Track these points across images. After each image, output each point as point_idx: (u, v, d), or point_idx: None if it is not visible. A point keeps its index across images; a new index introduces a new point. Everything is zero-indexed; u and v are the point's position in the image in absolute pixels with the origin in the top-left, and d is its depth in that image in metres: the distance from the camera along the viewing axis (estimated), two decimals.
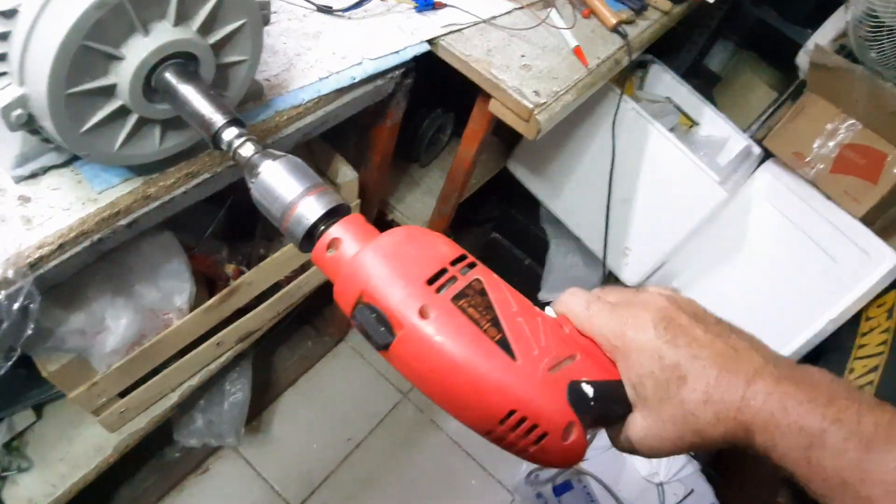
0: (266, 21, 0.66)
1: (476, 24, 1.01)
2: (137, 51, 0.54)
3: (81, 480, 1.09)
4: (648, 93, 1.55)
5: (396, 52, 0.90)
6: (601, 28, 1.15)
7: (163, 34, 0.55)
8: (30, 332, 0.67)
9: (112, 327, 0.90)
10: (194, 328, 1.00)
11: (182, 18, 0.56)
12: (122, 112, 0.58)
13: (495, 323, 0.42)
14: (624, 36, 1.14)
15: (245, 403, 1.30)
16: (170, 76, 0.57)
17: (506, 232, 1.76)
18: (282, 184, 0.50)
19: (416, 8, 0.97)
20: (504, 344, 0.42)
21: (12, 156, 0.63)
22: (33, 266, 0.64)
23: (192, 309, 0.99)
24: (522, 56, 1.00)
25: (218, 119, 0.55)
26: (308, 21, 0.90)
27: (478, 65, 0.95)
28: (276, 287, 1.13)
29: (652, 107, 1.47)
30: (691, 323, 0.42)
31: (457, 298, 0.42)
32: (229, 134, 0.54)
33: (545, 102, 0.94)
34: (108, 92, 0.56)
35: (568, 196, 1.53)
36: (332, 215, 0.48)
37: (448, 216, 1.25)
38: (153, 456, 1.43)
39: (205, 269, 1.02)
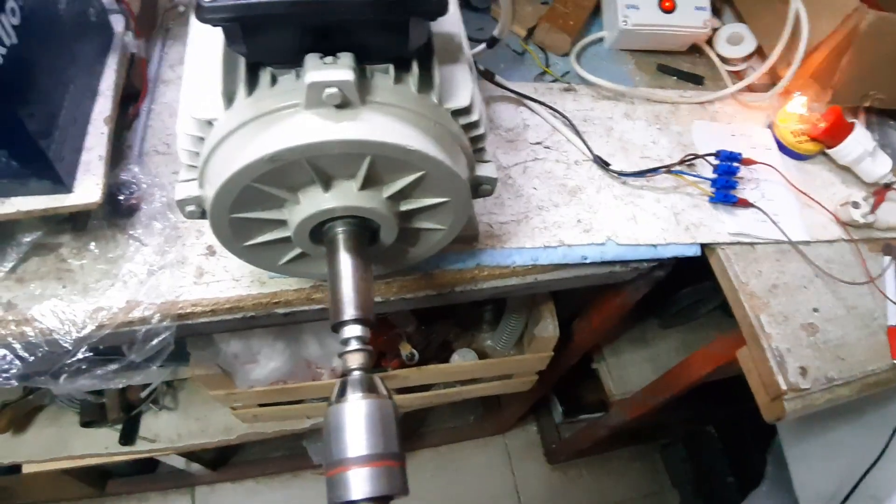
0: (488, 193, 0.57)
1: (777, 242, 0.79)
2: (313, 202, 0.49)
3: (200, 445, 1.16)
4: None
5: (654, 245, 0.74)
6: None
7: (343, 195, 0.49)
8: (159, 365, 0.69)
9: (262, 363, 0.91)
10: None
11: (372, 183, 0.49)
12: (289, 241, 0.54)
13: None
14: None
15: None
16: (338, 235, 0.50)
17: (724, 433, 1.47)
18: (354, 432, 0.42)
19: (710, 198, 0.79)
20: None
21: None
22: (181, 317, 0.64)
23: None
24: (815, 310, 0.76)
25: (349, 311, 0.47)
26: (576, 170, 0.78)
27: (749, 301, 0.74)
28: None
29: None
30: None
31: None
32: (349, 331, 0.47)
33: (807, 389, 0.70)
34: (278, 223, 0.52)
35: (813, 449, 1.20)
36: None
37: (648, 409, 1.05)
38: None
39: (377, 344, 0.99)
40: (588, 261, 0.72)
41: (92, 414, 1.13)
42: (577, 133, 0.80)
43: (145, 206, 0.68)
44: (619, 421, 1.16)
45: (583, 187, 0.76)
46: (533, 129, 0.80)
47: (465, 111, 0.50)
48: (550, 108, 0.81)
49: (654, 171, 0.77)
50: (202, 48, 0.51)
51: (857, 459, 1.10)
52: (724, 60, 0.96)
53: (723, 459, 1.47)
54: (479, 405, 1.57)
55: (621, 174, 0.78)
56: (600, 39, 0.93)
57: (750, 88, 0.93)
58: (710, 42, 0.97)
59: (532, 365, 0.99)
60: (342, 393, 0.44)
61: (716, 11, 0.99)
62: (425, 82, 0.48)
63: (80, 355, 0.61)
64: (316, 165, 0.46)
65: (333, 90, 0.43)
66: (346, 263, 0.50)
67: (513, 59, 0.88)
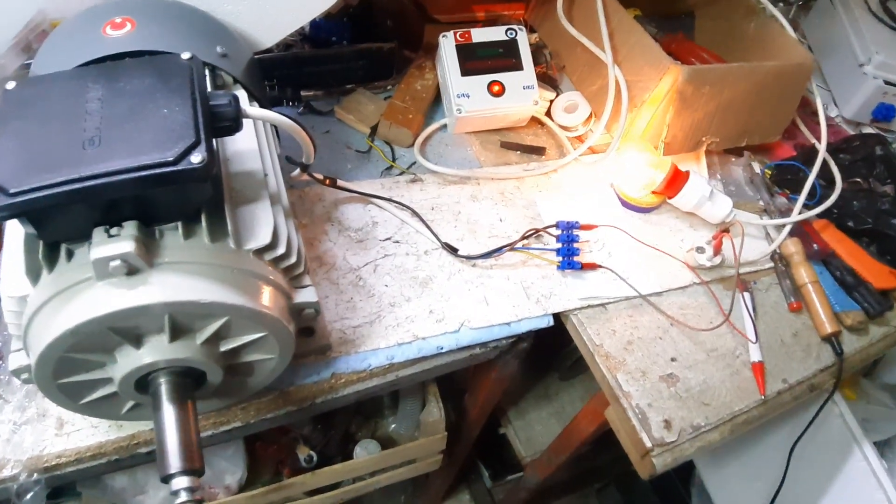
0: (313, 317, 0.58)
1: (629, 298, 0.83)
2: (128, 360, 0.49)
3: None
4: (878, 386, 1.20)
5: (507, 323, 0.77)
6: (809, 331, 0.89)
7: (156, 350, 0.49)
8: None
9: (151, 493, 0.89)
10: None
11: (182, 333, 0.50)
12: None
13: None
14: (839, 352, 0.87)
15: None
16: (160, 387, 0.51)
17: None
18: None
19: (557, 267, 0.83)
20: None
21: None
22: (48, 469, 0.63)
23: (241, 490, 0.95)
24: (673, 360, 0.80)
25: (175, 464, 0.48)
26: (426, 260, 0.81)
27: (605, 362, 0.77)
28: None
29: (876, 411, 1.13)
30: None
31: None
32: (177, 483, 0.47)
33: (673, 442, 0.73)
34: (104, 381, 0.52)
35: (729, 476, 1.24)
36: None
37: (556, 468, 1.07)
38: None
39: (269, 454, 0.98)
40: (444, 350, 0.74)
41: None
42: (425, 223, 0.83)
43: (2, 362, 0.67)
44: (534, 482, 1.18)
45: (434, 277, 0.79)
46: (382, 226, 0.83)
47: (269, 247, 0.52)
48: (396, 202, 0.84)
49: (499, 250, 0.81)
50: (12, 228, 0.52)
51: (773, 477, 1.14)
52: (564, 128, 1.02)
53: (652, 497, 1.50)
54: (408, 483, 1.55)
55: (469, 258, 0.81)
56: (444, 126, 0.98)
57: (592, 151, 0.99)
58: (549, 112, 1.03)
59: (430, 447, 0.99)
60: None
61: (552, 81, 1.06)
62: (218, 230, 0.49)
63: None
64: (119, 329, 0.47)
65: (117, 262, 0.44)
66: (169, 415, 0.50)
67: (358, 158, 0.91)
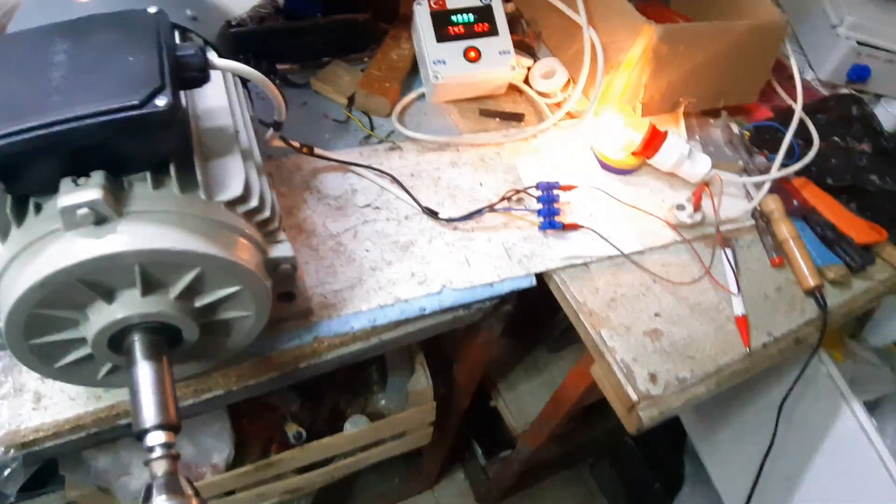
0: (290, 272, 0.58)
1: (611, 258, 0.83)
2: (99, 317, 0.49)
3: None
4: (865, 348, 1.21)
5: (490, 283, 0.77)
6: (792, 286, 0.90)
7: (127, 305, 0.49)
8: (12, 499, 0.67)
9: (136, 474, 0.88)
10: (228, 485, 0.95)
11: (155, 287, 0.49)
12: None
13: None
14: (822, 305, 0.87)
15: None
16: (133, 344, 0.50)
17: (641, 443, 1.50)
18: None
19: (539, 228, 0.82)
20: None
21: None
22: (26, 445, 0.62)
23: (228, 468, 0.94)
24: (657, 315, 0.80)
25: (149, 418, 0.47)
26: (407, 225, 0.80)
27: (588, 319, 0.77)
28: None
29: (863, 370, 1.14)
30: None
31: None
32: (151, 439, 0.47)
33: (659, 395, 0.73)
34: (78, 342, 0.51)
35: (720, 443, 1.25)
36: None
37: (548, 436, 1.07)
38: None
39: (257, 431, 0.97)
40: (427, 311, 0.73)
41: None
42: (405, 189, 0.83)
43: None
44: (526, 454, 1.18)
45: (415, 241, 0.79)
46: (361, 193, 0.82)
47: (241, 200, 0.52)
48: (376, 169, 0.84)
49: (479, 212, 0.81)
50: None
51: (763, 440, 1.14)
52: (543, 95, 1.02)
53: (645, 468, 1.50)
54: (401, 464, 1.55)
55: (450, 220, 0.80)
56: (422, 95, 0.97)
57: (570, 116, 0.99)
58: (527, 80, 1.02)
59: (420, 418, 0.99)
60: (147, 499, 0.44)
61: (530, 49, 1.06)
62: (188, 181, 0.49)
63: None
64: (90, 282, 0.47)
65: (85, 210, 0.43)
66: (143, 370, 0.49)
67: (336, 127, 0.90)
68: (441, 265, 0.77)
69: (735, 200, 0.97)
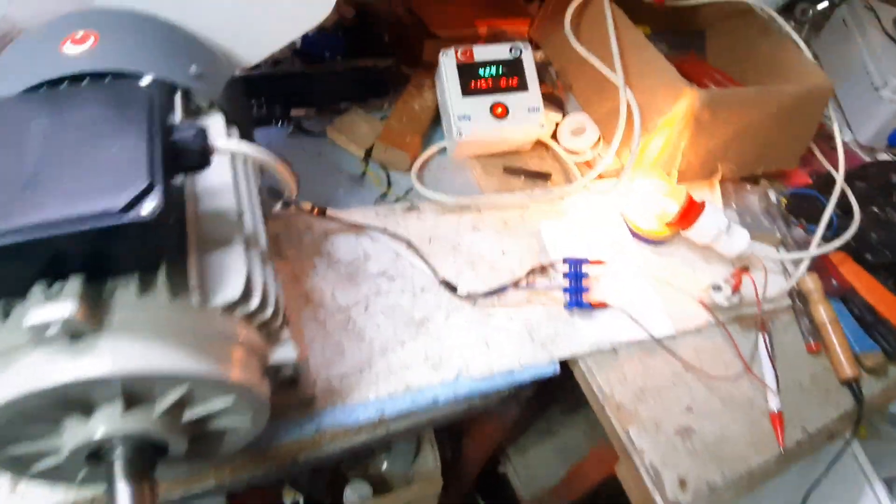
0: (292, 378, 0.52)
1: (641, 342, 0.77)
2: (76, 434, 0.43)
3: None
4: (885, 418, 1.14)
5: (510, 371, 0.70)
6: (828, 374, 0.83)
7: (106, 421, 0.42)
8: None
9: None
10: None
11: (139, 401, 0.43)
12: None
13: None
14: (858, 398, 0.81)
15: None
16: (114, 462, 0.44)
17: None
18: None
19: (565, 305, 0.76)
20: None
21: None
22: None
23: None
24: (689, 409, 0.74)
25: None
26: (422, 298, 0.74)
27: (616, 414, 0.71)
28: None
29: (885, 448, 1.07)
30: None
31: None
32: None
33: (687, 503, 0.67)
34: (52, 451, 0.45)
35: None
36: None
37: None
38: None
39: (252, 500, 0.90)
40: (441, 401, 0.67)
41: None
42: (421, 256, 0.77)
43: None
44: None
45: (430, 317, 0.72)
46: (374, 259, 0.76)
47: (240, 301, 0.45)
48: (391, 233, 0.78)
49: (503, 289, 0.74)
50: None
51: None
52: (571, 152, 0.95)
53: None
54: None
55: (469, 297, 0.74)
56: (443, 149, 0.91)
57: (600, 177, 0.93)
58: (555, 135, 0.96)
59: (426, 491, 0.93)
60: None
61: (559, 102, 1.00)
62: (180, 284, 0.43)
63: None
64: (63, 401, 0.40)
65: (56, 329, 0.37)
66: (123, 494, 0.43)
67: (351, 182, 0.84)
68: (457, 346, 0.71)
69: (772, 277, 0.90)
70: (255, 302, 0.46)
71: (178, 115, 0.51)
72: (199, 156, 0.42)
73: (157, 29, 0.58)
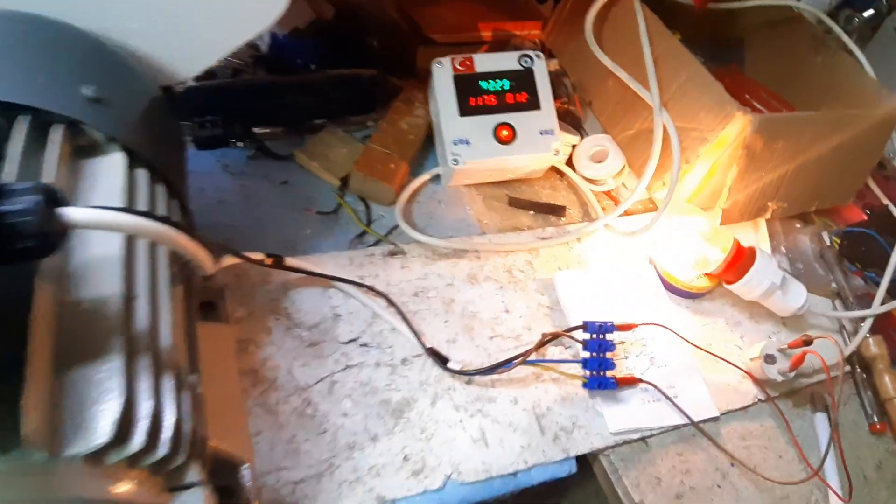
0: (230, 491, 0.36)
1: (678, 427, 0.61)
2: None
3: None
4: None
5: (513, 474, 0.55)
6: (893, 461, 0.68)
7: None
8: None
9: None
10: None
11: None
12: None
13: None
14: None
15: None
16: None
17: None
18: None
19: (584, 383, 0.61)
20: None
21: None
22: None
23: None
24: None
25: None
26: (403, 374, 0.58)
27: None
28: None
29: None
30: None
31: None
32: None
33: None
34: None
35: None
36: None
37: None
38: None
39: None
40: None
41: None
42: (404, 317, 0.61)
43: None
44: None
45: (412, 400, 0.57)
46: (346, 321, 0.61)
47: (115, 444, 0.30)
48: (367, 286, 0.62)
49: (507, 363, 0.59)
50: None
51: None
52: (590, 181, 0.80)
53: None
54: None
55: (463, 373, 0.59)
56: (436, 177, 0.76)
57: (628, 213, 0.77)
58: (570, 160, 0.81)
59: None
60: None
61: (576, 121, 0.84)
62: (12, 429, 0.27)
63: None
64: None
65: None
66: None
67: (323, 220, 0.69)
68: (446, 442, 0.55)
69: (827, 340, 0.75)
70: (137, 441, 0.31)
71: (50, 161, 0.36)
72: (38, 238, 0.27)
73: (46, 35, 0.42)
